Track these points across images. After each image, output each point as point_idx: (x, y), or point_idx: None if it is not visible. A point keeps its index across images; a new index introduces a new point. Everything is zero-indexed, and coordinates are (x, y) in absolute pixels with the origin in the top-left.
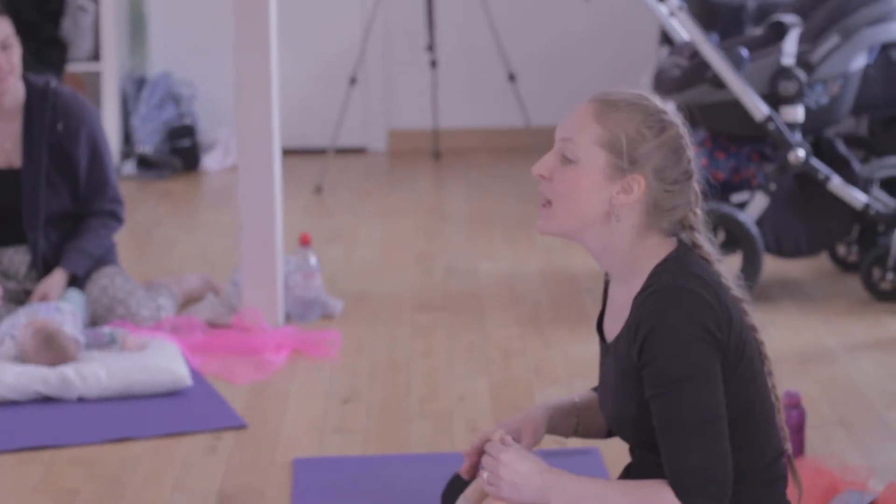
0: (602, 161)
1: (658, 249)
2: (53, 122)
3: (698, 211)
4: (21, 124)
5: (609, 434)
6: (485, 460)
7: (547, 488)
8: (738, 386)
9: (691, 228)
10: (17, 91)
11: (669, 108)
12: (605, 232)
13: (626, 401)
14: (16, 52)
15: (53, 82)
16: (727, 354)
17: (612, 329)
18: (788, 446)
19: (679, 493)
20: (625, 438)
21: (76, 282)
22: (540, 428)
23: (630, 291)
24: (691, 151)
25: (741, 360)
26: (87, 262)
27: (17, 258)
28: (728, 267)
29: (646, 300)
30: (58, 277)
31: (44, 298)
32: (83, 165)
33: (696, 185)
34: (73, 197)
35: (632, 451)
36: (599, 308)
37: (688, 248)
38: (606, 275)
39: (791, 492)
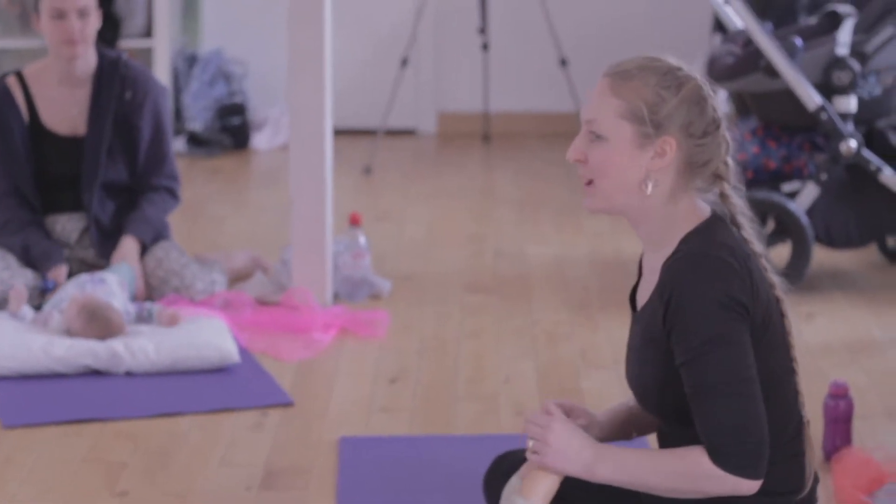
0: (628, 133)
1: (690, 217)
2: (122, 90)
3: (729, 161)
4: (90, 93)
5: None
6: (529, 428)
7: (594, 461)
8: (762, 358)
9: (720, 178)
10: (89, 60)
11: (683, 63)
12: (642, 199)
13: (648, 367)
14: (92, 23)
15: (125, 55)
16: (753, 325)
17: (643, 298)
18: (806, 414)
19: (713, 456)
20: (648, 409)
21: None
22: (592, 418)
23: (661, 259)
24: (714, 101)
25: (766, 331)
26: (150, 231)
27: (70, 225)
28: (758, 231)
29: (672, 265)
30: (129, 243)
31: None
32: (145, 138)
33: (727, 134)
34: (130, 170)
35: (659, 428)
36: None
37: (720, 219)
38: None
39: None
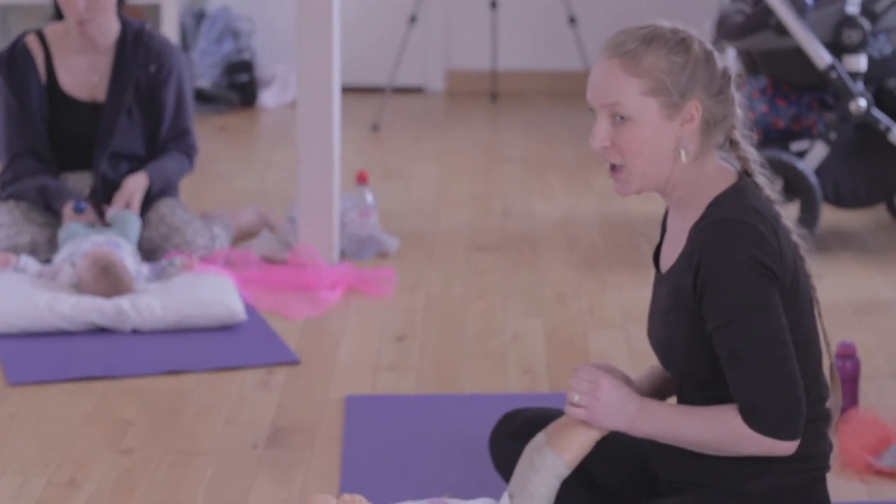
0: (655, 107)
1: (718, 179)
2: (146, 62)
3: (738, 111)
4: (111, 61)
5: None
6: (577, 383)
7: (636, 416)
8: (792, 321)
9: (732, 128)
10: (110, 29)
11: (678, 25)
12: (676, 168)
13: (675, 330)
14: (101, 2)
15: (149, 25)
16: (783, 289)
17: (668, 259)
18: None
19: (748, 419)
20: (671, 371)
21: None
22: (628, 379)
23: (688, 221)
24: (717, 52)
25: (793, 298)
26: (163, 179)
27: (82, 181)
28: (772, 183)
29: (702, 230)
30: (141, 177)
31: (128, 195)
32: (168, 109)
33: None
34: (147, 140)
35: (679, 389)
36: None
37: (748, 182)
38: (666, 206)
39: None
